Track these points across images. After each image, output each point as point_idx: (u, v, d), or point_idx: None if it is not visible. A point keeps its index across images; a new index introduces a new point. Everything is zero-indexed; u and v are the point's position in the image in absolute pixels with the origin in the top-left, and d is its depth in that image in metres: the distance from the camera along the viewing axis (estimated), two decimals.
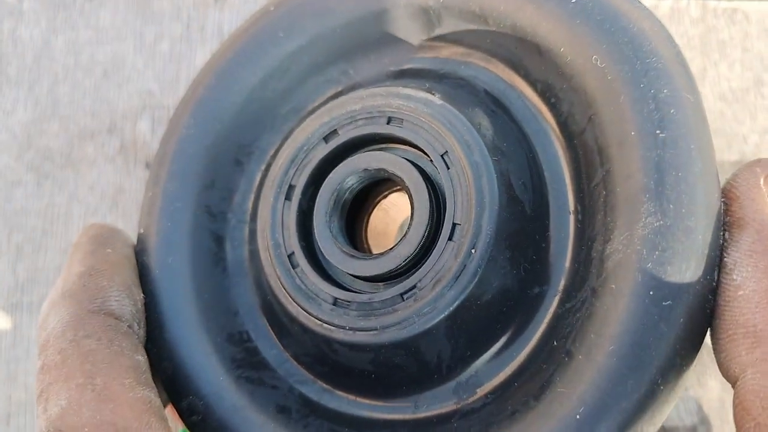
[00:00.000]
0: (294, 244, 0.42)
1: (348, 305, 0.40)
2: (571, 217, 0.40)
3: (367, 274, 0.40)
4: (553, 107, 0.41)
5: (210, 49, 0.72)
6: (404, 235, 0.42)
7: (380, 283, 0.41)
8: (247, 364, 0.44)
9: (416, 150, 0.43)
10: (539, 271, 0.39)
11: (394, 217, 0.55)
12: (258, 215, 0.44)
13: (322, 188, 0.42)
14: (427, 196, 0.39)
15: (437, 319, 0.38)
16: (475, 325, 0.39)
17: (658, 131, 0.34)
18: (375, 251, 0.48)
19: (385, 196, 0.48)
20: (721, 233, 0.33)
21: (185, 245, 0.46)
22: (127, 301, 0.40)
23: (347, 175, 0.42)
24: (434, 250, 0.39)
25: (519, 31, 0.41)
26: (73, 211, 0.71)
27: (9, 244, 0.72)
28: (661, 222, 0.32)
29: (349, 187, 0.43)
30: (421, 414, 0.38)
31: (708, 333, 0.33)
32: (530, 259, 0.39)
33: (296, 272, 0.42)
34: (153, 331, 0.43)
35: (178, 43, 0.72)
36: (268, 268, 0.43)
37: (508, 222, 0.39)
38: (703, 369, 0.73)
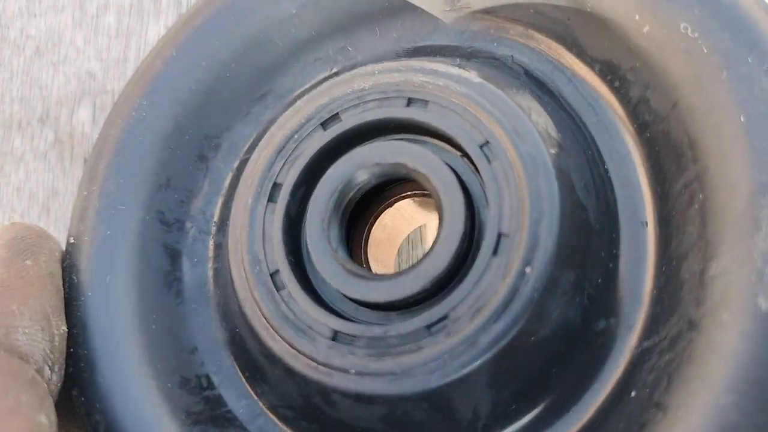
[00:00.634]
0: (279, 259, 0.34)
1: (353, 341, 0.32)
2: (648, 230, 0.33)
3: (381, 300, 0.33)
4: (619, 92, 0.35)
5: (166, 23, 0.63)
6: (431, 249, 0.32)
7: (393, 312, 0.34)
8: (207, 419, 0.36)
9: (440, 142, 0.36)
10: (606, 299, 0.33)
11: (399, 228, 0.45)
12: (229, 223, 0.37)
13: (318, 187, 0.35)
14: (463, 199, 0.33)
15: (478, 362, 0.30)
16: (527, 370, 0.32)
17: None
18: (375, 270, 0.38)
19: (391, 205, 0.42)
20: None
21: (129, 260, 0.38)
22: (40, 336, 0.32)
23: (352, 172, 0.35)
24: (472, 269, 0.31)
25: None
26: None
27: None
28: None
29: (355, 187, 0.36)
30: None
31: None
32: (595, 283, 0.32)
33: (281, 296, 0.34)
34: (82, 373, 0.35)
35: (126, 16, 0.63)
36: (243, 290, 0.35)
37: (572, 233, 0.32)
38: None
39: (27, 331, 0.31)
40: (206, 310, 0.39)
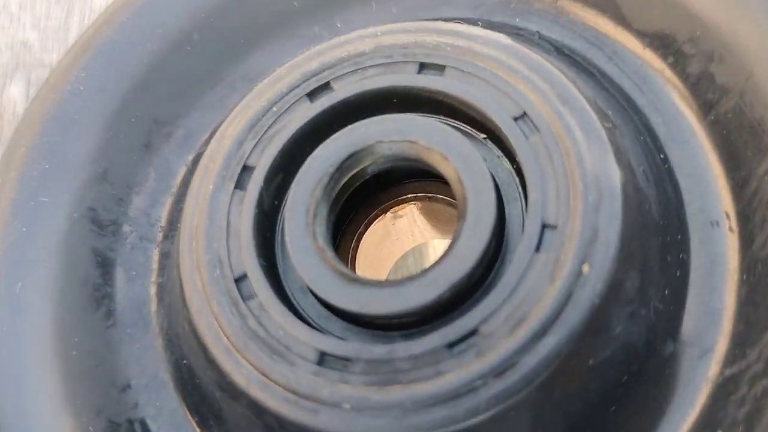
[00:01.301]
0: (247, 260, 0.28)
1: (346, 365, 0.26)
2: (722, 229, 0.28)
3: (385, 312, 0.26)
4: (674, 69, 0.30)
5: None
6: (450, 248, 0.26)
7: (395, 332, 0.27)
8: None
9: (458, 123, 0.29)
10: (674, 315, 0.27)
11: (394, 243, 0.37)
12: (183, 215, 0.30)
13: (303, 170, 0.28)
14: (491, 182, 0.26)
15: (521, 393, 0.24)
16: (581, 405, 0.25)
17: None
18: None
19: (386, 210, 0.34)
20: None
21: (48, 267, 0.32)
22: None
23: (348, 152, 0.28)
24: (508, 270, 0.25)
25: None
26: None
27: None
28: None
29: (350, 172, 0.29)
30: None
31: None
32: (661, 294, 0.27)
33: (249, 307, 0.27)
34: None
35: None
36: (197, 301, 0.28)
37: (635, 226, 0.26)
38: None
39: None
40: (145, 336, 0.32)
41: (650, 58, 0.31)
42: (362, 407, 0.24)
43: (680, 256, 0.27)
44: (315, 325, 0.28)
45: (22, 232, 0.31)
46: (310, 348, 0.26)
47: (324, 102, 0.30)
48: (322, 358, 0.26)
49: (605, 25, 0.32)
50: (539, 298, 0.24)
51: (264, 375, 0.26)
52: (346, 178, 0.29)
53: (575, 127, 0.26)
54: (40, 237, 0.32)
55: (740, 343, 0.26)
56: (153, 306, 0.33)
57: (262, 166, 0.29)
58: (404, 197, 0.34)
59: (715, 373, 0.26)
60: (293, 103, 0.30)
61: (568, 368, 0.24)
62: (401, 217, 0.34)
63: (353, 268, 0.34)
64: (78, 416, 0.29)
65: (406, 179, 0.33)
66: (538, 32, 0.33)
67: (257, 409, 0.26)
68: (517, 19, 0.33)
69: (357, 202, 0.33)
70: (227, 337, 0.27)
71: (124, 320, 0.32)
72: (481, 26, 0.33)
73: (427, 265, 0.32)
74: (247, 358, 0.26)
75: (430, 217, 0.36)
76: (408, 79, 0.29)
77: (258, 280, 0.27)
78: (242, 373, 0.26)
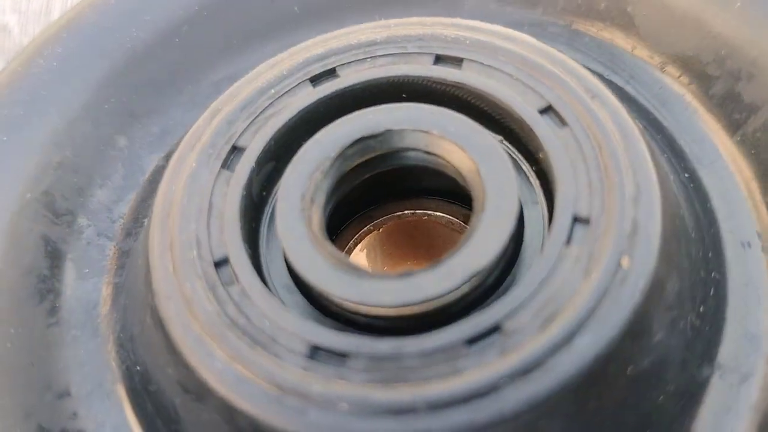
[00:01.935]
0: (231, 243, 0.25)
1: (344, 360, 0.22)
2: (756, 250, 0.26)
3: (393, 303, 0.22)
4: (697, 89, 0.29)
5: None
6: (466, 239, 0.23)
7: (399, 339, 0.23)
8: None
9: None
10: (710, 336, 0.24)
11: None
12: (157, 191, 0.27)
13: (300, 153, 0.25)
14: (513, 174, 0.24)
15: (554, 396, 0.20)
16: (614, 421, 0.22)
17: None
18: None
19: (380, 227, 0.31)
20: None
21: None
22: None
23: (354, 137, 0.25)
24: (535, 263, 0.23)
25: None
26: None
27: None
28: None
29: (354, 160, 0.26)
30: None
31: None
32: (698, 309, 0.24)
33: (229, 293, 0.24)
34: None
35: None
36: (167, 285, 0.24)
37: (673, 227, 0.24)
38: None
39: None
40: (93, 340, 0.29)
41: (669, 81, 0.29)
42: (362, 408, 0.20)
43: (713, 275, 0.25)
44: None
45: None
46: (299, 339, 0.22)
47: (328, 88, 0.27)
48: (315, 352, 0.22)
49: (621, 48, 0.31)
50: (573, 293, 0.21)
51: (242, 367, 0.22)
52: (348, 167, 0.26)
53: (606, 120, 0.24)
54: None
55: None
56: (105, 308, 0.29)
57: (254, 148, 0.26)
58: (393, 215, 0.31)
59: (755, 400, 0.23)
60: (294, 86, 0.27)
61: (606, 374, 0.21)
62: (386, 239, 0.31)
63: None
64: (4, 416, 0.24)
65: (404, 196, 0.31)
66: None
67: (227, 411, 0.22)
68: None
69: (349, 213, 0.30)
70: (200, 325, 0.23)
71: (70, 320, 0.28)
72: None
73: None
74: (222, 348, 0.22)
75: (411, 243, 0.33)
76: (422, 69, 0.27)
77: (241, 264, 0.24)
78: (213, 367, 0.22)
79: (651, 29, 0.30)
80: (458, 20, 0.29)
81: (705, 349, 0.23)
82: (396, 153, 0.27)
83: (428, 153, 0.27)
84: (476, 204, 0.24)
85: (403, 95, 0.28)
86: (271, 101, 0.27)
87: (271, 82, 0.28)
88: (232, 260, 0.24)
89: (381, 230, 0.32)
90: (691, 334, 0.23)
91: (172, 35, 0.33)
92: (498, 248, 0.22)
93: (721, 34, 0.28)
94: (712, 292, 0.25)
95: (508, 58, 0.27)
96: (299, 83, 0.28)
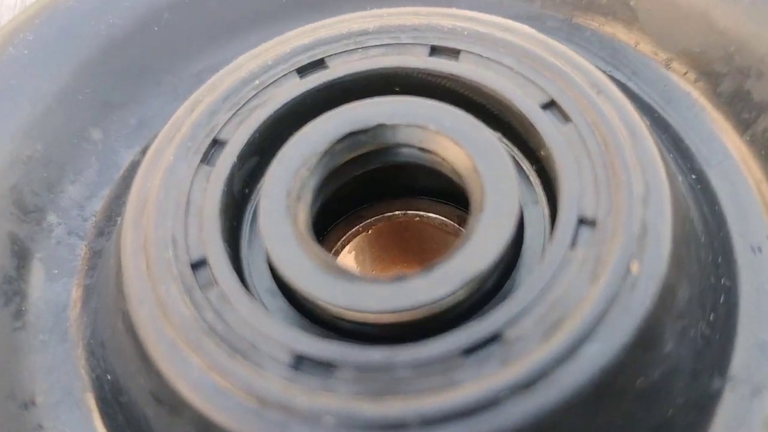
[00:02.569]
0: (210, 243, 0.23)
1: (331, 370, 0.20)
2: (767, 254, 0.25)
3: (384, 309, 0.21)
4: (704, 87, 0.27)
5: None
6: (463, 242, 0.21)
7: (391, 348, 0.21)
8: None
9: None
10: (721, 346, 0.23)
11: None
12: (132, 186, 0.25)
13: (286, 148, 0.24)
14: (513, 172, 0.22)
15: (560, 409, 0.19)
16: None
17: None
18: None
19: (368, 228, 0.30)
20: None
21: None
22: None
23: (344, 131, 0.24)
24: (539, 266, 0.21)
25: None
26: None
27: None
28: None
29: (343, 156, 0.24)
30: None
31: None
32: (708, 318, 0.23)
33: (208, 297, 0.22)
34: None
35: None
36: (139, 286, 0.23)
37: (683, 230, 0.22)
38: None
39: None
40: (61, 345, 0.27)
41: (675, 78, 0.28)
42: (349, 423, 0.19)
43: (723, 281, 0.23)
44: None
45: None
46: (282, 348, 0.20)
47: (316, 79, 0.26)
48: (299, 361, 0.20)
49: (624, 43, 0.30)
50: (579, 299, 0.20)
51: (219, 377, 0.20)
52: (337, 164, 0.24)
53: (612, 116, 0.23)
54: None
55: None
56: (75, 311, 0.27)
57: (237, 141, 0.24)
58: (382, 216, 0.30)
59: None
60: (280, 77, 0.26)
61: (614, 387, 0.19)
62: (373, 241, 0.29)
63: None
64: None
65: (395, 195, 0.29)
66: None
67: (203, 424, 0.20)
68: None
69: (337, 213, 0.29)
70: (174, 331, 0.21)
71: (37, 324, 0.27)
72: None
73: None
74: (199, 356, 0.21)
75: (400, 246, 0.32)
76: (416, 61, 0.25)
77: (220, 266, 0.22)
78: (189, 377, 0.21)
79: (655, 24, 0.29)
80: (455, 10, 0.27)
81: (716, 359, 0.22)
82: (388, 149, 0.25)
83: (422, 149, 0.25)
84: (473, 204, 0.23)
85: (396, 88, 0.26)
86: (255, 92, 0.26)
87: (256, 72, 0.26)
88: (210, 261, 0.23)
89: (370, 231, 0.31)
90: (701, 344, 0.22)
91: (151, 22, 0.32)
92: (497, 251, 0.21)
93: (730, 30, 0.27)
94: (722, 300, 0.23)
95: (508, 50, 0.25)
96: (286, 74, 0.26)
